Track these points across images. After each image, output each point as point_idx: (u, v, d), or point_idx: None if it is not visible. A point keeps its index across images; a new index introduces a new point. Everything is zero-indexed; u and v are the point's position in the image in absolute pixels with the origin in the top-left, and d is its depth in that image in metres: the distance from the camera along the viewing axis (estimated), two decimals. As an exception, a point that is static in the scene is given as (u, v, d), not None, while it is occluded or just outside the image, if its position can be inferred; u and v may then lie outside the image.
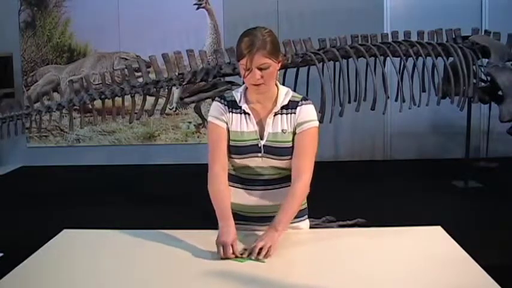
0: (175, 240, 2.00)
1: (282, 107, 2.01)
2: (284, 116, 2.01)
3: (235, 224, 1.94)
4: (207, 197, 2.04)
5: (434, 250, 1.87)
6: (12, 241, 3.89)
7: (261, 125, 2.02)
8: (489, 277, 1.62)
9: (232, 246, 1.82)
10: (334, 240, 2.00)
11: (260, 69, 1.89)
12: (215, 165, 2.01)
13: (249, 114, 2.02)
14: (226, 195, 2.01)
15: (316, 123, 2.02)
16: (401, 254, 1.85)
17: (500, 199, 5.00)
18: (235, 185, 2.09)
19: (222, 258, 1.80)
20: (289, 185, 2.01)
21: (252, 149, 2.00)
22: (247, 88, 2.04)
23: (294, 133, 2.01)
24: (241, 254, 1.82)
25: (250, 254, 1.80)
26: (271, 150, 1.99)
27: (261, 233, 1.94)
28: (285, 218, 1.92)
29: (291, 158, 2.00)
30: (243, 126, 2.02)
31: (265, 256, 1.79)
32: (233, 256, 1.80)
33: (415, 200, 5.02)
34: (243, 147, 2.00)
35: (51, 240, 2.05)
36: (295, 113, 2.01)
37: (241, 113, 2.03)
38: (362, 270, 1.71)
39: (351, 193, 5.28)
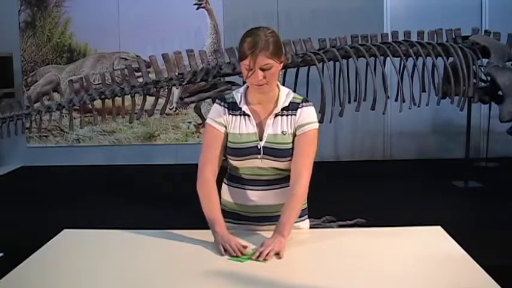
0: (175, 240, 2.00)
1: (283, 109, 2.00)
2: (284, 117, 2.00)
3: (236, 224, 1.96)
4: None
5: (434, 250, 1.87)
6: (12, 241, 3.89)
7: (261, 126, 2.01)
8: (489, 277, 1.62)
9: (234, 244, 1.82)
10: (334, 240, 2.00)
11: (263, 69, 1.88)
12: (205, 170, 2.01)
13: (248, 115, 2.01)
14: (216, 203, 2.00)
15: (316, 125, 2.02)
16: (401, 254, 1.85)
17: (500, 199, 5.00)
18: (235, 185, 2.09)
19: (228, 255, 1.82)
20: (289, 185, 2.00)
21: (251, 151, 1.99)
22: (247, 88, 2.04)
23: (294, 135, 2.00)
24: (244, 254, 1.81)
25: (258, 256, 1.77)
26: (271, 152, 1.98)
27: (261, 232, 1.95)
28: (289, 221, 1.91)
29: (290, 160, 2.00)
30: (242, 128, 2.01)
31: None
32: (237, 253, 1.80)
33: (415, 200, 5.02)
34: (242, 149, 2.00)
35: (51, 240, 2.04)
36: (295, 115, 2.00)
37: (240, 115, 2.02)
38: (362, 270, 1.71)
39: (351, 193, 5.28)
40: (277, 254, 1.79)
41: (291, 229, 1.92)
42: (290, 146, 1.99)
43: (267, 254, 1.77)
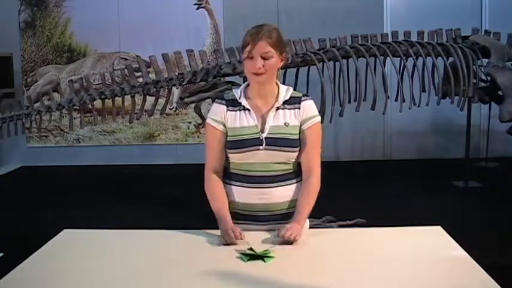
0: (176, 240, 2.00)
1: (284, 102, 2.03)
2: (287, 110, 2.03)
3: (237, 224, 1.96)
4: (206, 197, 2.05)
5: (434, 250, 1.87)
6: (12, 241, 3.89)
7: (263, 119, 2.03)
8: (489, 277, 1.62)
9: (239, 233, 1.90)
10: (334, 240, 2.00)
11: (263, 58, 1.92)
12: (210, 170, 2.07)
13: (249, 110, 2.03)
14: (223, 199, 2.05)
15: (319, 118, 2.08)
16: (401, 254, 1.85)
17: (500, 199, 5.00)
18: (237, 183, 2.07)
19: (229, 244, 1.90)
20: (292, 183, 2.05)
21: (253, 142, 2.00)
22: (247, 86, 2.06)
23: (299, 128, 2.03)
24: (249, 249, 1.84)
25: (282, 236, 1.88)
26: (274, 142, 1.99)
27: (260, 232, 1.96)
28: (305, 212, 1.99)
29: (293, 151, 2.01)
30: (242, 121, 2.02)
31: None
32: (242, 239, 1.87)
33: (415, 200, 5.02)
34: (243, 140, 2.00)
35: (51, 240, 2.05)
36: (299, 108, 2.04)
37: (240, 110, 2.04)
38: (362, 270, 1.71)
39: (351, 193, 5.28)
40: (291, 242, 1.88)
41: (306, 219, 2.01)
42: (294, 137, 2.02)
43: (289, 236, 1.87)
